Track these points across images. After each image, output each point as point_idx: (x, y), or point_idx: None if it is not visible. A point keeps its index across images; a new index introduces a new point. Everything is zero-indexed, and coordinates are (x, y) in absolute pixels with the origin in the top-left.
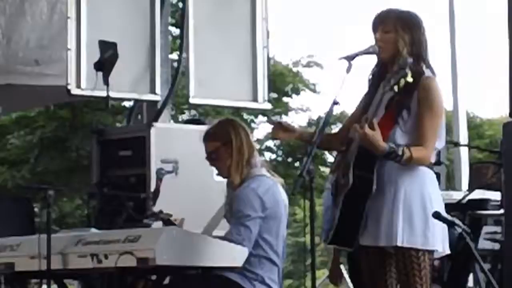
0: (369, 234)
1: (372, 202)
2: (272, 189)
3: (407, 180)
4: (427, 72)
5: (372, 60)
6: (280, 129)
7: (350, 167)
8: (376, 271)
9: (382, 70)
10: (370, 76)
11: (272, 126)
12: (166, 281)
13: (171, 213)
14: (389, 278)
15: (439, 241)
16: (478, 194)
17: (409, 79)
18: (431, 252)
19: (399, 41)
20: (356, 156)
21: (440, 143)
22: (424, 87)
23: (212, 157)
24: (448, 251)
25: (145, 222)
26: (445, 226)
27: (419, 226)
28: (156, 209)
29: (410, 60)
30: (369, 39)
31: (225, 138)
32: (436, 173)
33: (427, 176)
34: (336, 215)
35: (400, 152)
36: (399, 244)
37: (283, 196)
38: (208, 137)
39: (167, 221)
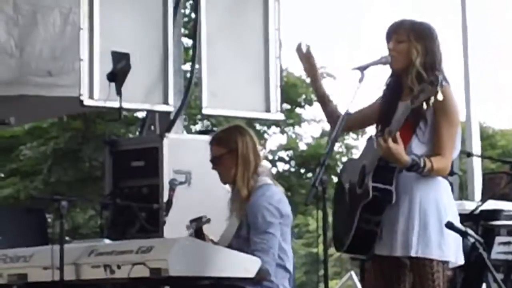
0: (384, 243)
1: (388, 212)
2: (284, 198)
3: (422, 190)
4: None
5: (384, 70)
6: (304, 54)
7: (369, 179)
8: (390, 281)
9: (397, 81)
10: (385, 86)
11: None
12: None
13: (183, 223)
14: None
15: (453, 252)
16: (491, 204)
17: (440, 97)
18: (446, 262)
19: (411, 51)
20: (376, 168)
21: (455, 153)
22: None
23: (216, 162)
24: (461, 262)
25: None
26: (459, 236)
27: (434, 236)
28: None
29: (441, 77)
30: (382, 50)
31: (231, 146)
32: (449, 183)
33: (442, 186)
34: (353, 225)
35: (422, 164)
36: (413, 254)
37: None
38: (214, 141)
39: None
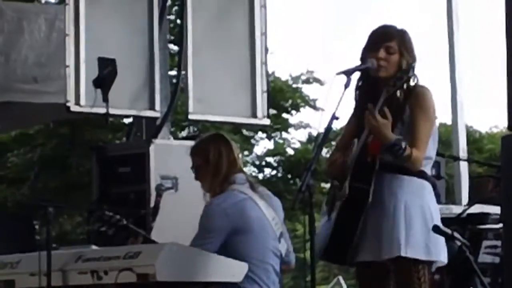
0: (369, 249)
1: (372, 216)
2: (241, 203)
3: (406, 192)
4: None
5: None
6: None
7: (347, 179)
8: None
9: (373, 85)
10: (357, 91)
11: None
12: None
13: (170, 228)
14: None
15: (440, 252)
16: (478, 208)
17: (412, 82)
18: (430, 264)
19: (402, 62)
20: (354, 167)
21: (433, 152)
22: (418, 94)
23: (194, 172)
24: (445, 261)
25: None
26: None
27: (420, 237)
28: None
29: (413, 65)
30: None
31: (205, 156)
32: (435, 187)
33: (426, 189)
34: (330, 229)
35: (403, 146)
36: (402, 254)
37: (259, 211)
38: (191, 152)
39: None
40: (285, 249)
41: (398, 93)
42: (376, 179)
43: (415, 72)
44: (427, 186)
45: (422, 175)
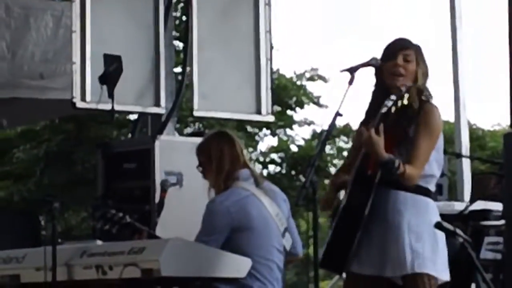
0: (374, 264)
1: (376, 231)
2: (244, 200)
3: (411, 209)
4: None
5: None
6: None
7: (347, 190)
8: None
9: (381, 91)
10: (371, 98)
11: None
12: None
13: (175, 224)
14: None
15: (445, 268)
16: (480, 205)
17: (405, 101)
18: (437, 279)
19: (418, 72)
20: (355, 177)
21: (438, 171)
22: (426, 112)
23: (200, 170)
24: (447, 279)
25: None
26: (446, 253)
27: (427, 252)
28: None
29: (409, 84)
30: (372, 52)
31: (208, 154)
32: (438, 184)
33: (430, 207)
34: (328, 237)
35: (397, 164)
36: (410, 272)
37: (262, 208)
38: (196, 152)
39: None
40: (289, 244)
41: (393, 108)
42: (379, 193)
43: (428, 89)
44: (431, 203)
45: (426, 192)
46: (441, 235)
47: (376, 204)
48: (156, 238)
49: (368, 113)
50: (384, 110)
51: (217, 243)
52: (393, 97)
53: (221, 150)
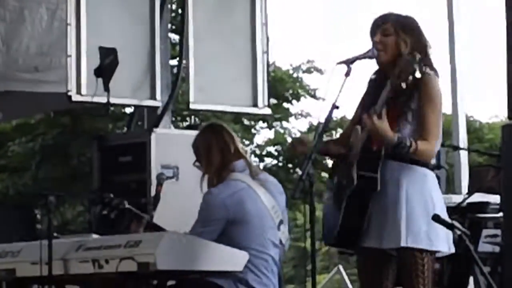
0: (371, 236)
1: (374, 204)
2: (240, 193)
3: (409, 182)
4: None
5: (371, 64)
6: (298, 144)
7: (354, 168)
8: (373, 273)
9: (382, 76)
10: (369, 83)
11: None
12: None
13: (171, 217)
14: (385, 281)
15: (442, 242)
16: (477, 197)
17: (418, 75)
18: (433, 253)
19: (400, 43)
20: (360, 156)
21: (438, 143)
22: (425, 83)
23: (198, 167)
24: (453, 250)
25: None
26: None
27: (422, 227)
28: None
29: (418, 56)
30: (369, 43)
31: (197, 150)
32: (436, 176)
33: (428, 178)
34: (339, 217)
35: (408, 143)
36: (403, 245)
37: (258, 201)
38: (192, 147)
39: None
40: (285, 237)
41: (404, 85)
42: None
43: (419, 60)
44: (430, 174)
45: (423, 163)
46: (440, 206)
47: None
48: (154, 226)
49: (364, 104)
50: (389, 89)
51: (212, 235)
52: (402, 76)
53: (208, 142)
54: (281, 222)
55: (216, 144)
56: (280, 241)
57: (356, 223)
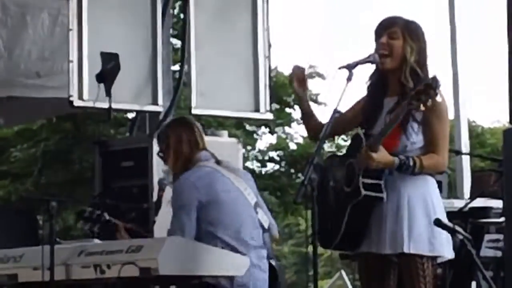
0: (372, 241)
1: (376, 210)
2: (209, 175)
3: (410, 187)
4: None
5: (372, 69)
6: (298, 76)
7: (359, 177)
8: (374, 279)
9: (382, 77)
10: (369, 84)
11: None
12: None
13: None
14: (386, 287)
15: (444, 247)
16: (480, 202)
17: (439, 99)
18: (435, 258)
19: (407, 49)
20: (365, 168)
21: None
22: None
23: (161, 157)
24: (451, 256)
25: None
26: None
27: (424, 232)
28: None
29: (440, 82)
30: (371, 49)
31: (166, 141)
32: (438, 181)
33: (429, 183)
34: (342, 225)
35: (411, 163)
36: (406, 251)
37: (228, 182)
38: (156, 139)
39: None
40: (265, 221)
41: (422, 107)
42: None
43: (426, 66)
44: (430, 179)
45: None
46: (441, 211)
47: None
48: (136, 233)
49: (366, 112)
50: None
51: (190, 218)
52: (423, 98)
53: (179, 135)
54: (256, 204)
55: (187, 138)
56: (262, 226)
57: (359, 230)
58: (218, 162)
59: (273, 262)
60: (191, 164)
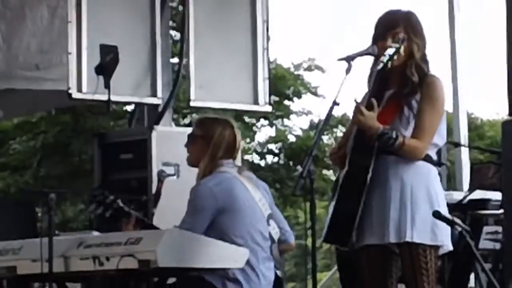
0: (375, 232)
1: (378, 199)
2: (229, 183)
3: (413, 177)
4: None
5: (371, 61)
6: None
7: (348, 155)
8: (377, 271)
9: (385, 73)
10: (369, 77)
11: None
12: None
13: (171, 215)
14: (389, 278)
15: (446, 237)
16: (478, 194)
17: (402, 52)
18: (437, 248)
19: (413, 47)
20: (354, 143)
21: (441, 140)
22: (428, 84)
23: (190, 140)
24: (451, 248)
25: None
26: None
27: (427, 222)
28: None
29: (402, 35)
30: (369, 41)
31: (209, 132)
32: (437, 173)
33: (432, 173)
34: (331, 209)
35: (394, 135)
36: (408, 239)
37: (246, 192)
38: (197, 121)
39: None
40: (276, 233)
41: (389, 64)
42: (379, 161)
43: (428, 60)
44: (433, 169)
45: (427, 158)
46: (442, 203)
47: (377, 172)
48: (146, 224)
49: (367, 107)
50: (380, 66)
51: (203, 224)
52: (389, 51)
53: (222, 137)
54: (270, 216)
55: (227, 142)
56: (272, 238)
57: (348, 219)
58: (239, 170)
59: (278, 273)
60: (218, 166)
